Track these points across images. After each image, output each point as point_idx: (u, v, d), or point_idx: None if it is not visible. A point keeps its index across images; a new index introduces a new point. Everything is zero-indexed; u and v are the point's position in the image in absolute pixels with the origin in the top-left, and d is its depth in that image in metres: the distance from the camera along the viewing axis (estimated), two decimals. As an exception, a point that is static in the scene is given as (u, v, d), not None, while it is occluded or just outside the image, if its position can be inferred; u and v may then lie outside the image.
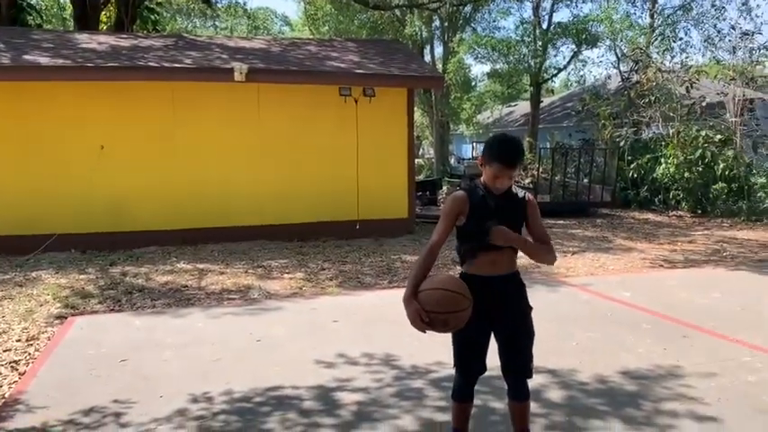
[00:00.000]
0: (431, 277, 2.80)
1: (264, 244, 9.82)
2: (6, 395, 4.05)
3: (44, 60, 9.12)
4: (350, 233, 10.34)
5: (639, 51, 17.80)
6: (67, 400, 3.91)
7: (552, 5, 24.70)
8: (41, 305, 6.30)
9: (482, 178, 2.88)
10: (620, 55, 21.42)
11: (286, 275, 7.75)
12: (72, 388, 4.12)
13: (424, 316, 2.64)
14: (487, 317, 2.85)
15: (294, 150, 10.31)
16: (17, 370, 4.55)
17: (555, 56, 24.73)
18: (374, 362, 4.52)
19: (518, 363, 2.96)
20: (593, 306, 6.19)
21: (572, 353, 4.73)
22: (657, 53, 17.63)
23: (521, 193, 2.93)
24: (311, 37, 25.21)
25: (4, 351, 4.94)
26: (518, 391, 3.02)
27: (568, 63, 24.70)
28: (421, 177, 21.89)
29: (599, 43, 22.75)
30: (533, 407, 3.72)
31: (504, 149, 2.79)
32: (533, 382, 4.06)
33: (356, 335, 5.24)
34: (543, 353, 4.61)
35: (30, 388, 4.14)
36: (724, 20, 20.19)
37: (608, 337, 5.14)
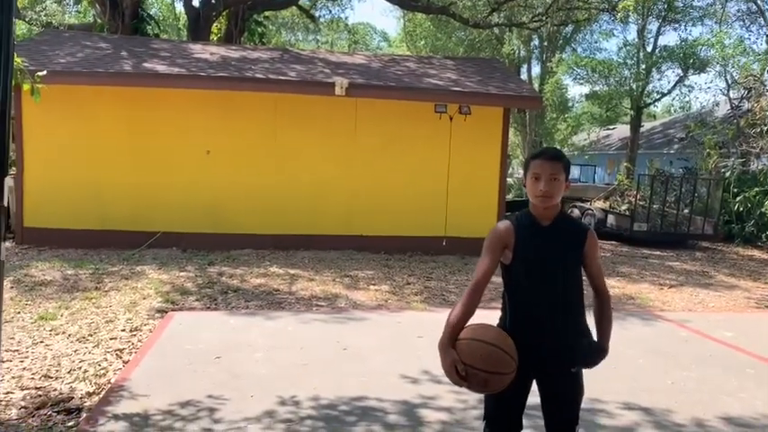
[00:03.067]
0: (475, 326, 2.45)
1: (352, 254, 10.00)
2: (112, 381, 4.33)
3: (161, 68, 9.73)
4: (436, 249, 10.36)
5: (753, 78, 16.82)
6: (166, 390, 4.14)
7: (659, 28, 23.89)
8: (144, 298, 6.69)
9: (530, 207, 2.54)
10: (730, 81, 20.34)
11: (372, 287, 7.85)
12: (171, 380, 4.35)
13: (461, 369, 2.32)
14: (530, 374, 2.53)
15: (386, 164, 10.47)
16: (121, 358, 4.86)
17: (659, 80, 23.87)
18: (459, 382, 4.50)
19: (560, 427, 2.57)
20: (692, 344, 5.88)
21: (668, 392, 4.52)
22: (773, 81, 16.59)
23: (580, 224, 2.62)
24: (410, 54, 25.53)
25: (111, 339, 5.28)
26: None
27: (673, 88, 23.76)
28: (510, 197, 21.61)
29: (708, 68, 21.74)
30: (624, 444, 3.60)
31: (541, 149, 2.58)
32: (624, 418, 3.95)
33: (441, 353, 5.22)
34: (636, 390, 4.48)
35: (133, 376, 4.40)
36: None
37: (707, 378, 4.87)
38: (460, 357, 2.35)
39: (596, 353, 2.56)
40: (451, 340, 2.40)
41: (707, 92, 52.81)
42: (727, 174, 14.63)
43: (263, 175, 10.13)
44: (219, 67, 10.17)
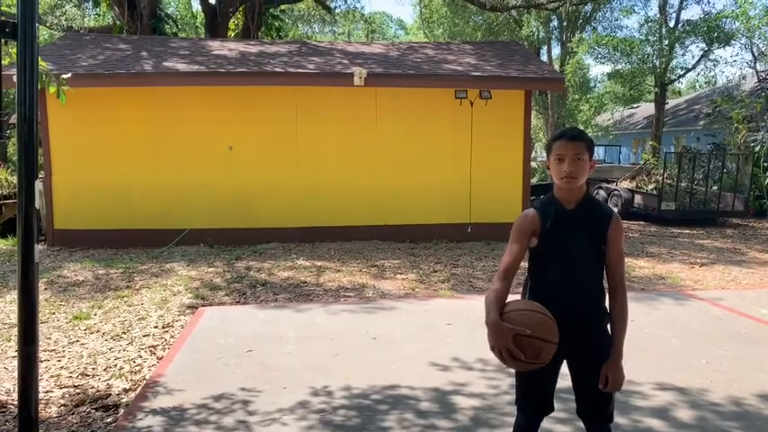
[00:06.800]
0: (514, 301, 2.41)
1: (377, 244, 10.02)
2: (147, 377, 4.40)
3: (181, 67, 9.80)
4: (462, 236, 10.33)
5: (781, 49, 16.44)
6: (201, 385, 4.20)
7: (681, 2, 23.39)
8: (174, 295, 6.78)
9: (554, 190, 2.51)
10: (756, 53, 19.90)
11: (399, 276, 7.86)
12: (204, 374, 4.41)
13: (526, 335, 2.23)
14: (560, 356, 2.45)
15: (409, 153, 10.44)
16: (155, 354, 4.93)
17: (682, 55, 23.46)
18: (489, 368, 4.49)
19: (593, 407, 2.53)
20: (726, 322, 5.79)
21: (703, 371, 4.46)
22: (802, 51, 16.20)
23: (605, 208, 2.56)
24: (428, 41, 25.37)
25: (144, 336, 5.37)
26: None
27: (697, 63, 23.30)
28: (534, 181, 21.42)
29: (733, 41, 21.27)
30: (660, 425, 3.57)
31: (561, 130, 2.51)
32: (659, 399, 3.91)
33: (470, 339, 5.21)
34: (671, 370, 4.43)
35: (167, 371, 4.47)
36: None
37: (743, 356, 4.80)
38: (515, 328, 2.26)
39: (613, 367, 2.46)
40: (499, 314, 2.30)
41: (733, 65, 51.69)
42: (757, 148, 14.34)
43: (285, 168, 10.18)
44: (238, 62, 10.21)
